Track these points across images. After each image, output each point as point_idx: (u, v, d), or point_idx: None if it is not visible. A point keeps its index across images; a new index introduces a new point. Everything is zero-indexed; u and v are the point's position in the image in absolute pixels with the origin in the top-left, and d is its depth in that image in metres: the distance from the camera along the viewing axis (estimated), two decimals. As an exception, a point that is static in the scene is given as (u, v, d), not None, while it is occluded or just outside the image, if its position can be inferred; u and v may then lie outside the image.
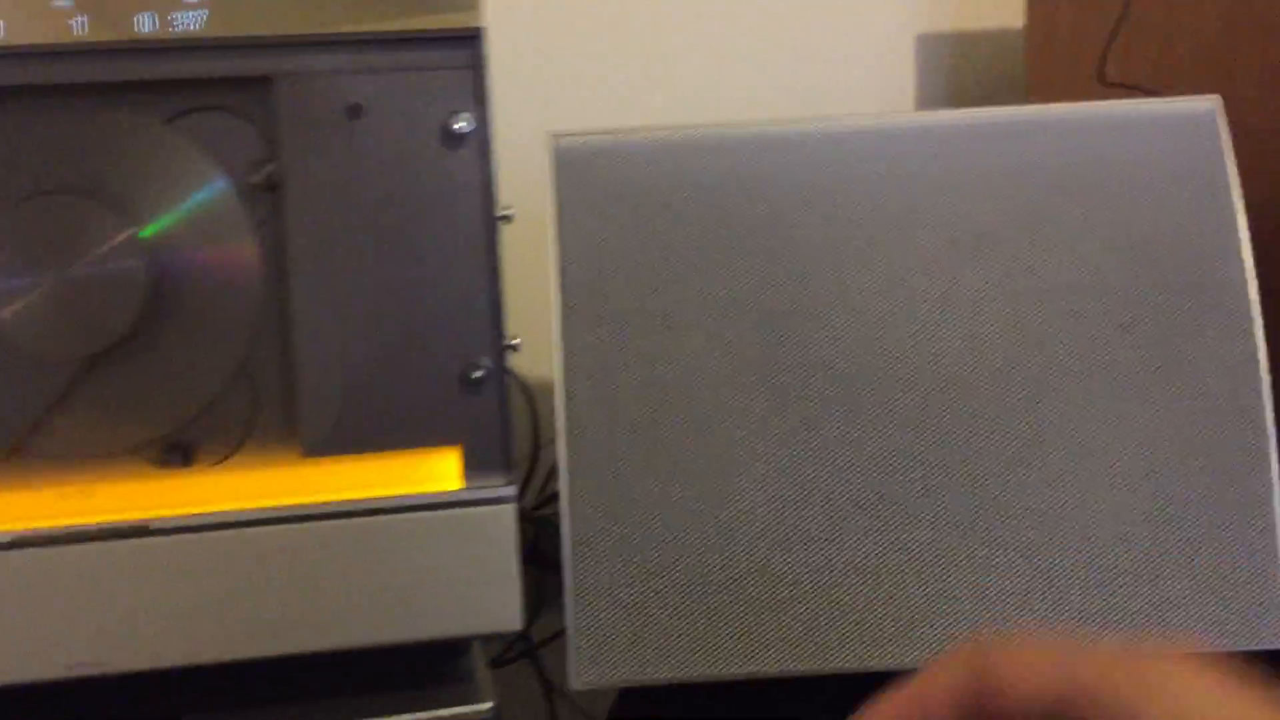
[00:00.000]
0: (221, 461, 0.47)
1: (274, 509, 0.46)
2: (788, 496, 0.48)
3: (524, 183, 0.62)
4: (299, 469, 0.47)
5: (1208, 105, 0.50)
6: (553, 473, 0.72)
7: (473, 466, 0.47)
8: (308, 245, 0.46)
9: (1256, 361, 0.48)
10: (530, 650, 0.64)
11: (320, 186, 0.46)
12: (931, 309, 0.49)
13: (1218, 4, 0.59)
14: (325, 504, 0.46)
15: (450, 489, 0.47)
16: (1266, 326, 0.48)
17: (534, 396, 0.66)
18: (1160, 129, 0.50)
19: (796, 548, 0.48)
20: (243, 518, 0.46)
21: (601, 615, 0.48)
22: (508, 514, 0.47)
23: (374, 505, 0.46)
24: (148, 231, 0.46)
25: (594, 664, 0.48)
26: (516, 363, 0.65)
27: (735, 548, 0.48)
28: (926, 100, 0.78)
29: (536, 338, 0.53)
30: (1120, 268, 0.49)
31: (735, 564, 0.48)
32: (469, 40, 0.47)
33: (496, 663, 0.63)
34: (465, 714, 0.47)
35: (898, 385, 0.48)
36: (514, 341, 0.55)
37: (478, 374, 0.47)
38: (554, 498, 0.71)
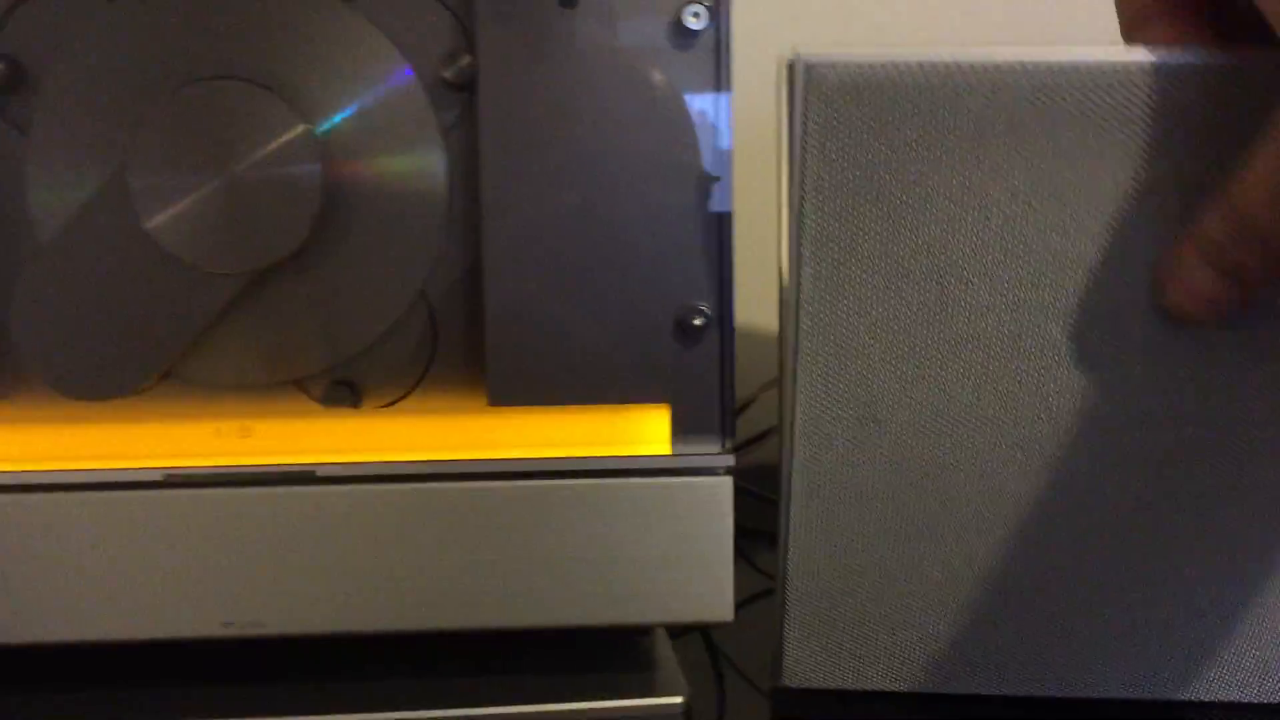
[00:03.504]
0: (392, 404, 0.41)
1: (454, 463, 0.40)
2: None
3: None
4: (481, 418, 0.40)
5: None
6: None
7: (683, 429, 0.40)
8: (503, 156, 0.39)
9: None
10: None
11: (522, 87, 0.39)
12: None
13: None
14: (511, 460, 0.40)
15: (657, 453, 0.40)
16: None
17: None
18: None
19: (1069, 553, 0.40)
20: (418, 470, 0.39)
21: (821, 612, 0.41)
22: (723, 488, 0.40)
23: (567, 466, 0.39)
24: (324, 128, 0.40)
25: (810, 663, 0.41)
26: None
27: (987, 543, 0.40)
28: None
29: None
30: None
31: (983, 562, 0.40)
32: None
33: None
34: (653, 708, 0.41)
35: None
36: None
37: (697, 321, 0.40)
38: (750, 442, 0.63)
